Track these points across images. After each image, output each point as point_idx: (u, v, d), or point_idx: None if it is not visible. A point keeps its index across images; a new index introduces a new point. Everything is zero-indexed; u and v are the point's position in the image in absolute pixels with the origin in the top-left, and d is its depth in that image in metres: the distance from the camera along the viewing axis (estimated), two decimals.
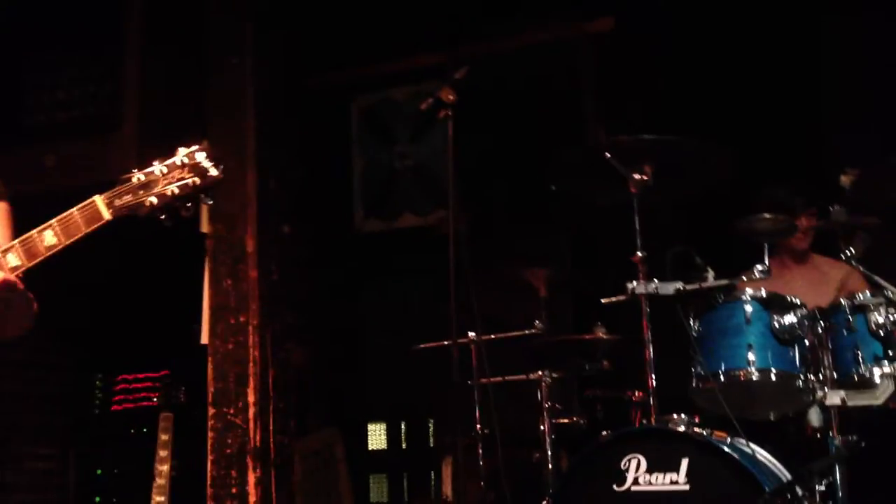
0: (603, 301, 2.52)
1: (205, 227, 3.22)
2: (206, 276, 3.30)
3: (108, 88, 3.98)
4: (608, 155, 2.45)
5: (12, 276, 1.73)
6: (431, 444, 5.27)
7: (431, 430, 5.35)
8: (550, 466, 2.93)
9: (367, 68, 4.92)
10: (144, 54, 3.93)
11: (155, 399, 4.64)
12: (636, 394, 2.94)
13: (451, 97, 2.95)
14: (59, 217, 1.75)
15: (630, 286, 2.41)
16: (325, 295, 4.66)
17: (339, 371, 4.90)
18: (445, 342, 3.50)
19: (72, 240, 1.72)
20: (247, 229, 3.22)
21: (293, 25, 3.71)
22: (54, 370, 4.74)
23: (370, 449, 5.19)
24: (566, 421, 3.06)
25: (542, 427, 3.02)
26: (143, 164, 3.76)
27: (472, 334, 3.41)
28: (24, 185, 3.91)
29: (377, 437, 5.29)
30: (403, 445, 5.31)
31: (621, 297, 2.47)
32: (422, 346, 3.51)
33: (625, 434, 2.26)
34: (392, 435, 5.32)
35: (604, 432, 2.24)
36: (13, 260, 1.75)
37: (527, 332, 3.25)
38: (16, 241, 1.78)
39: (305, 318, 3.80)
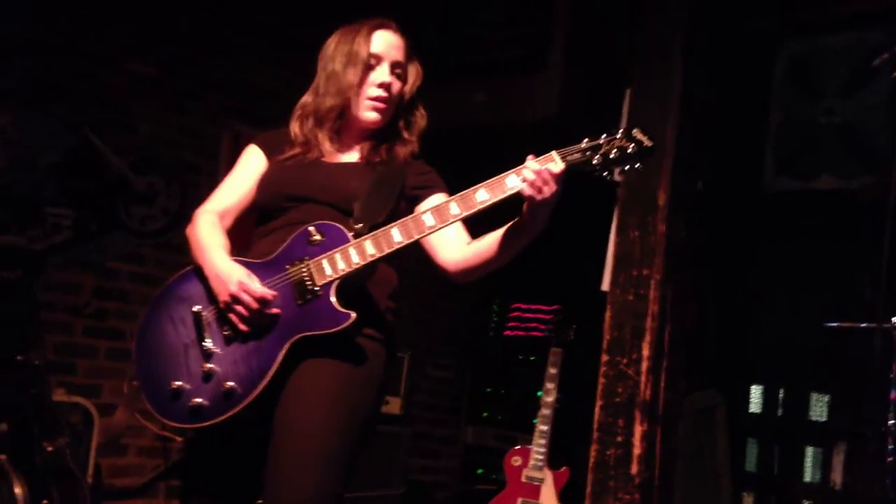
0: None
1: (618, 176, 3.21)
2: (614, 224, 3.31)
3: (538, 29, 4.10)
4: None
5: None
6: (811, 418, 4.98)
7: (812, 403, 5.05)
8: None
9: (798, 12, 4.52)
10: None
11: (544, 330, 4.88)
12: None
13: None
14: (518, 167, 1.91)
15: None
16: (722, 252, 4.49)
17: (725, 330, 4.74)
18: (864, 325, 3.20)
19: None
20: (660, 182, 3.16)
21: None
22: (460, 288, 5.13)
23: (750, 412, 5.05)
24: None
25: None
26: (565, 104, 3.86)
27: None
28: (453, 120, 4.26)
29: (756, 400, 5.12)
30: (779, 413, 5.09)
31: None
32: (835, 324, 3.24)
33: None
34: (769, 400, 5.10)
35: None
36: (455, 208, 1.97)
37: None
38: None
39: (704, 276, 3.69)
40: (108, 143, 3.87)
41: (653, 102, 3.22)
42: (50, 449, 2.94)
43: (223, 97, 4.35)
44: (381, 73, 2.15)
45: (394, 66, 2.17)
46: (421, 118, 2.24)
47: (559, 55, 3.89)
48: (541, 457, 4.10)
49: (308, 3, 4.41)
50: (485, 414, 5.16)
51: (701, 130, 3.30)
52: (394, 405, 4.64)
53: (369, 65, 2.14)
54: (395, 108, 2.20)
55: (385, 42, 2.17)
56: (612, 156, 1.88)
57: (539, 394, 4.25)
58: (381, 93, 2.14)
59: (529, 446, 4.16)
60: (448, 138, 3.83)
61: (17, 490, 2.81)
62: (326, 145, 2.16)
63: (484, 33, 4.34)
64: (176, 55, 4.18)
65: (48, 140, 3.68)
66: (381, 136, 2.19)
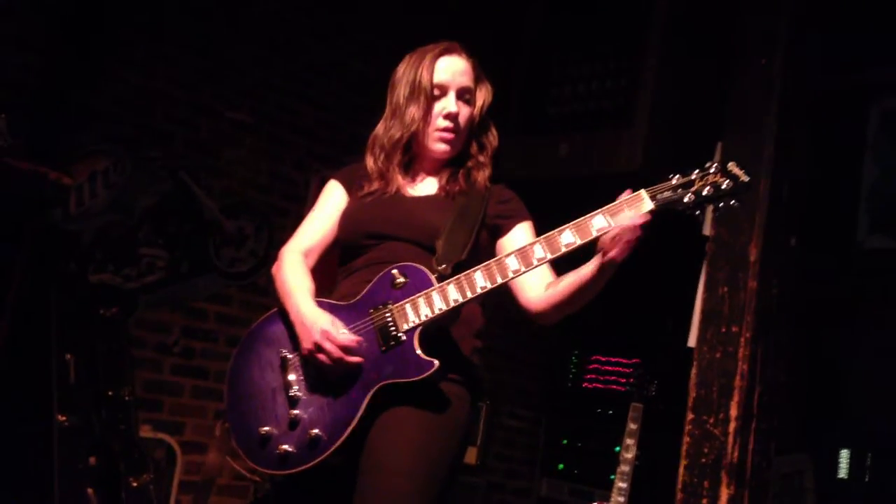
0: None
1: (707, 231, 3.15)
2: (702, 279, 3.24)
3: (624, 84, 4.09)
4: None
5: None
6: None
7: None
8: None
9: (890, 66, 4.42)
10: (663, 52, 3.97)
11: (624, 385, 4.79)
12: None
13: None
14: (605, 207, 1.85)
15: None
16: (814, 310, 4.36)
17: (815, 391, 4.58)
18: None
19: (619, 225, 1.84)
20: (752, 237, 3.07)
21: (824, 26, 3.44)
22: (539, 338, 5.11)
23: (839, 478, 4.85)
24: None
25: None
26: (650, 158, 3.83)
27: None
28: (537, 171, 4.26)
29: (843, 465, 4.93)
30: (866, 479, 4.88)
31: None
32: None
33: None
34: (856, 466, 4.91)
35: None
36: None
37: None
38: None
39: (794, 336, 3.57)
40: (202, 187, 3.99)
41: (746, 156, 3.15)
42: (135, 484, 3.00)
43: (311, 143, 4.45)
44: (447, 104, 2.11)
45: (461, 93, 2.12)
46: (493, 138, 2.19)
47: (646, 108, 3.87)
48: None
49: (393, 49, 4.48)
50: (560, 466, 5.06)
51: (795, 185, 3.21)
52: (470, 455, 4.58)
53: (433, 95, 2.10)
54: (467, 134, 2.15)
55: (450, 69, 2.12)
56: (705, 193, 1.78)
57: (617, 449, 4.15)
58: (447, 124, 2.10)
59: (606, 503, 4.06)
60: (533, 189, 3.84)
61: None
62: (400, 178, 2.13)
63: (570, 85, 4.35)
64: (267, 102, 4.30)
65: (146, 183, 3.81)
66: (456, 163, 2.16)
